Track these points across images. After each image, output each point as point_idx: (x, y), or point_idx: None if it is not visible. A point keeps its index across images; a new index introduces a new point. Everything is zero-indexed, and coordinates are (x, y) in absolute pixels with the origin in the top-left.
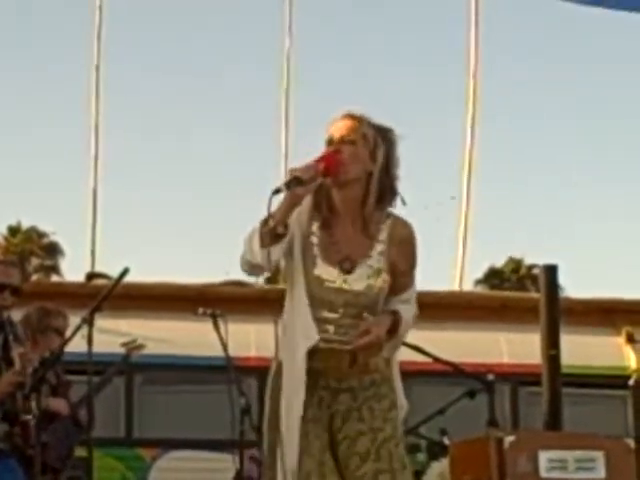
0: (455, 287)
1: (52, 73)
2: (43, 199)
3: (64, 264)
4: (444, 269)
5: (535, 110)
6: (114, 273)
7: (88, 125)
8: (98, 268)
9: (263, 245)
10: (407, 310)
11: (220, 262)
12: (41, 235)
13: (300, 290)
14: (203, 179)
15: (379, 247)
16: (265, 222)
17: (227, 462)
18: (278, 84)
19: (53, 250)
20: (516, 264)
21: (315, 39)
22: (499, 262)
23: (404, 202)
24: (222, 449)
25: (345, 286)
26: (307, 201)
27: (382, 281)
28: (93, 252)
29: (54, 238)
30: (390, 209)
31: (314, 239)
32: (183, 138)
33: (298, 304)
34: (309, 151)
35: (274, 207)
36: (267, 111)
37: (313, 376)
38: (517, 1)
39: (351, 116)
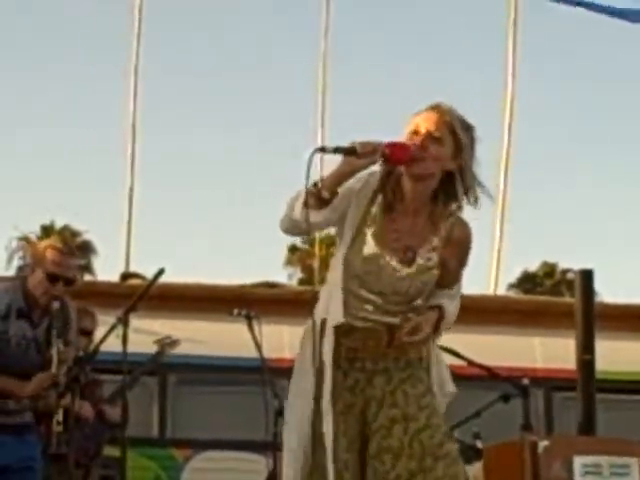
0: (489, 291)
1: (87, 73)
2: (77, 198)
3: (97, 263)
4: (478, 273)
5: (568, 114)
6: (148, 274)
7: (124, 125)
8: (132, 268)
9: (306, 205)
10: (451, 305)
11: (254, 264)
12: (75, 234)
13: (345, 268)
14: (239, 181)
15: (435, 242)
16: (314, 185)
17: (260, 463)
18: (314, 86)
19: (86, 249)
20: (550, 268)
21: (351, 39)
22: (533, 266)
23: (477, 204)
24: (255, 450)
25: (396, 274)
26: (371, 184)
27: (432, 275)
28: (128, 252)
29: (87, 237)
30: (454, 207)
31: (371, 221)
32: (220, 138)
33: (334, 282)
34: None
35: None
36: (305, 112)
37: (349, 357)
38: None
39: (441, 110)
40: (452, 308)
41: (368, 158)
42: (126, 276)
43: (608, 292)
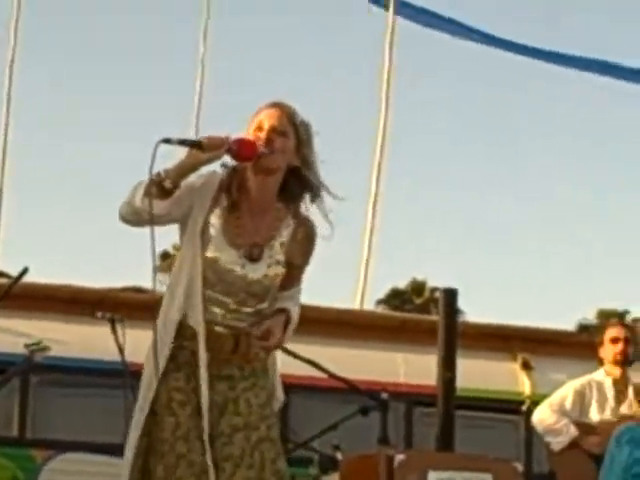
0: (356, 306)
1: None
2: None
3: None
4: (345, 287)
5: (444, 131)
6: (15, 273)
7: None
8: (2, 268)
9: (147, 194)
10: (295, 310)
11: (125, 269)
12: None
13: (192, 269)
14: (111, 183)
15: (282, 239)
16: (157, 175)
17: (119, 466)
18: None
19: None
20: (419, 286)
21: (231, 47)
22: (402, 284)
23: (318, 198)
24: (115, 453)
25: (242, 272)
26: (212, 183)
27: (278, 273)
28: None
29: None
30: (301, 205)
31: (216, 221)
32: (94, 131)
33: (186, 281)
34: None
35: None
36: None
37: (192, 361)
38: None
39: (281, 106)
40: (296, 312)
41: (213, 152)
42: None
43: (474, 313)
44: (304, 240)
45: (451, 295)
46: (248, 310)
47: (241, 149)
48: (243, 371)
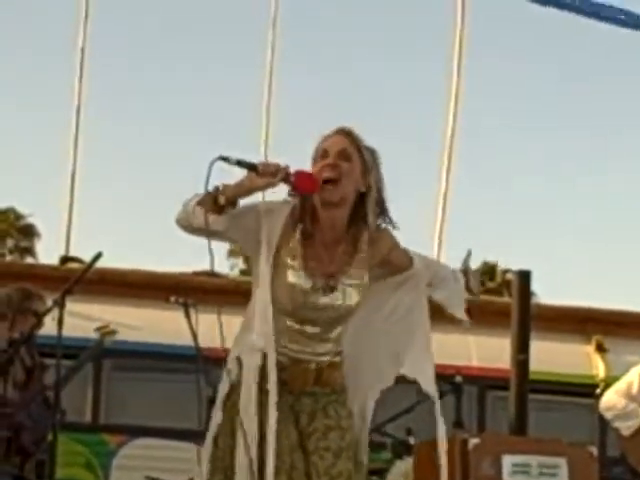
0: None
1: (33, 53)
2: (23, 181)
3: (40, 246)
4: None
5: (508, 107)
6: (89, 259)
7: (70, 108)
8: (75, 253)
9: (200, 203)
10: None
11: (199, 254)
12: (19, 217)
13: (266, 301)
14: (180, 170)
15: (360, 262)
16: (216, 189)
17: (192, 452)
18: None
19: (29, 232)
20: (490, 269)
21: (298, 30)
22: (473, 266)
23: (394, 226)
24: (188, 439)
25: (325, 301)
26: (283, 212)
27: (359, 297)
28: (68, 236)
29: (31, 220)
30: (371, 227)
31: (290, 251)
32: (163, 127)
33: (264, 314)
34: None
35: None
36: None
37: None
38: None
39: (346, 132)
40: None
41: (268, 179)
42: (65, 259)
43: (547, 294)
44: (388, 250)
45: (525, 277)
46: (327, 336)
47: (299, 181)
48: (324, 389)
